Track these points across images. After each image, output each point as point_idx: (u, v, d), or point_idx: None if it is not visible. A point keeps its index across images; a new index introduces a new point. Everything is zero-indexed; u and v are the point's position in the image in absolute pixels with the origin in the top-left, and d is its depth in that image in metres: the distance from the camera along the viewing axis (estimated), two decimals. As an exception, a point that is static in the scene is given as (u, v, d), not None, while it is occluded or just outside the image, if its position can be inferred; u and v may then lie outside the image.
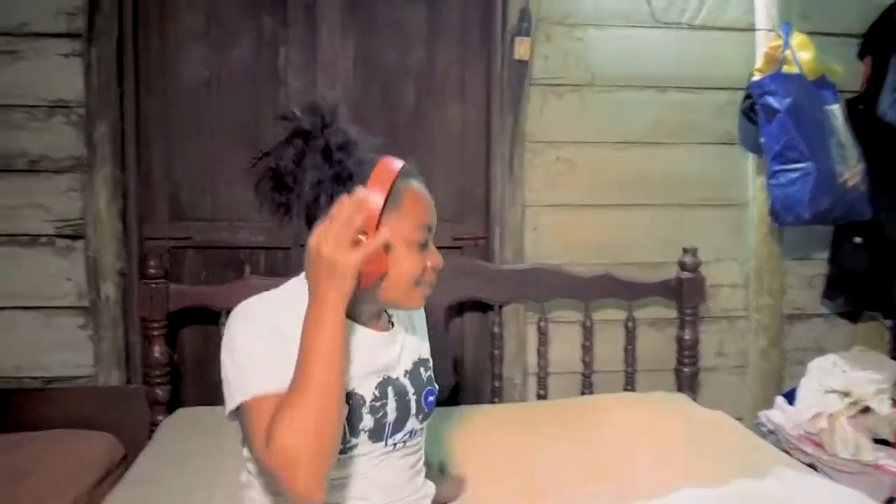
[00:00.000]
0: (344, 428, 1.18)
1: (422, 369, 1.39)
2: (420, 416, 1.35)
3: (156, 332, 2.21)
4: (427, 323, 1.51)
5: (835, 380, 2.13)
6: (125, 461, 2.11)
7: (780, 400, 2.28)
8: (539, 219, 2.52)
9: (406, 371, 1.35)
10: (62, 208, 2.32)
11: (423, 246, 1.24)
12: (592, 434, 2.05)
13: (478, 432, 2.03)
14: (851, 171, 2.27)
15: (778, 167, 2.31)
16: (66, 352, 2.33)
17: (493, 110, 2.47)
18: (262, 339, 1.15)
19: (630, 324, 2.45)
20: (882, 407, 2.01)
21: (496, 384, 2.43)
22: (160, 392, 2.22)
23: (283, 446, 1.02)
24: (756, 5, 2.53)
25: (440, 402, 1.55)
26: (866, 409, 2.04)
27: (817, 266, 2.67)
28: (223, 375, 1.16)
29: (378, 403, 1.27)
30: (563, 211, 2.54)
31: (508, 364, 2.46)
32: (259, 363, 1.13)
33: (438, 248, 2.45)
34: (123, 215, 2.33)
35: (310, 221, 1.22)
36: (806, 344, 2.66)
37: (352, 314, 1.25)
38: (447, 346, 2.37)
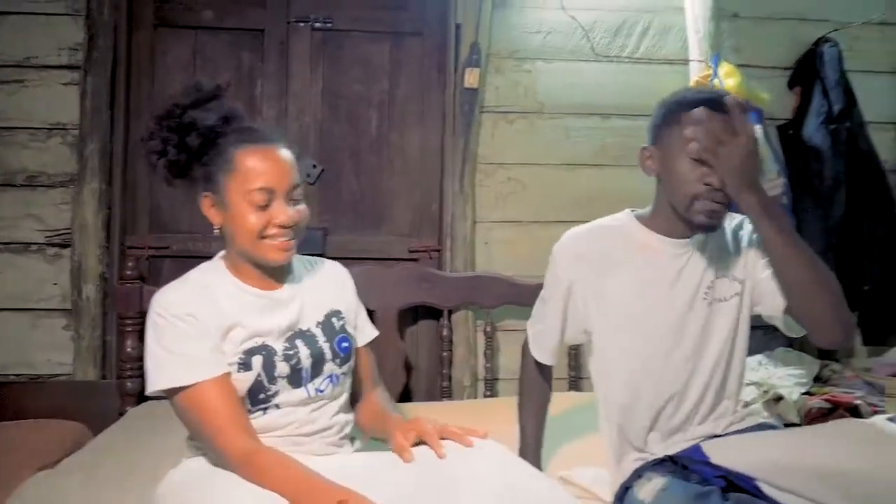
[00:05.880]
0: (262, 377, 1.38)
1: (334, 319, 1.54)
2: (338, 361, 1.49)
3: (129, 329, 2.40)
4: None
5: (755, 374, 2.26)
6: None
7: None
8: (490, 234, 2.73)
9: (318, 322, 1.50)
10: (53, 219, 2.56)
11: (264, 206, 1.38)
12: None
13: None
14: (771, 182, 2.45)
15: (705, 180, 2.50)
16: (50, 351, 2.54)
17: (446, 134, 2.71)
18: (185, 334, 1.34)
19: (573, 330, 2.59)
20: (792, 395, 2.13)
21: (445, 385, 2.58)
22: (130, 384, 2.39)
23: (254, 481, 1.25)
24: (690, 41, 2.76)
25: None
26: (779, 398, 2.16)
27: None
28: (147, 359, 1.37)
29: (290, 352, 1.43)
30: (512, 227, 2.74)
31: (457, 367, 2.62)
32: (180, 357, 1.33)
33: (395, 259, 2.64)
34: (108, 225, 2.57)
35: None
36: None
37: (244, 277, 1.45)
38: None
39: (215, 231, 1.45)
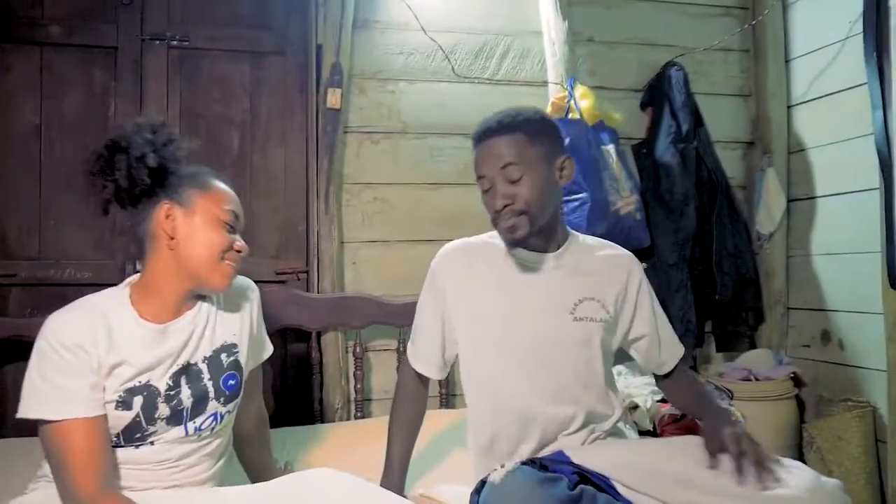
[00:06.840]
0: (140, 418, 1.35)
1: (224, 355, 1.49)
2: (222, 400, 1.45)
3: (-30, 364, 2.27)
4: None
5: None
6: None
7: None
8: (357, 254, 2.72)
9: (205, 357, 1.45)
10: None
11: (231, 230, 1.45)
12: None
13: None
14: (624, 200, 2.57)
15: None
16: None
17: (310, 154, 2.69)
18: (68, 366, 1.30)
19: (441, 347, 2.62)
20: (646, 403, 2.23)
21: (316, 408, 2.55)
22: (-28, 421, 2.26)
23: None
24: (547, 63, 2.88)
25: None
26: (635, 407, 2.25)
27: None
28: (25, 382, 1.32)
29: (172, 392, 1.39)
30: (380, 246, 2.75)
31: (328, 389, 2.59)
32: (55, 389, 1.29)
33: (261, 281, 2.59)
34: (-55, 253, 2.40)
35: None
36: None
37: (145, 309, 1.41)
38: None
39: (170, 244, 1.42)
